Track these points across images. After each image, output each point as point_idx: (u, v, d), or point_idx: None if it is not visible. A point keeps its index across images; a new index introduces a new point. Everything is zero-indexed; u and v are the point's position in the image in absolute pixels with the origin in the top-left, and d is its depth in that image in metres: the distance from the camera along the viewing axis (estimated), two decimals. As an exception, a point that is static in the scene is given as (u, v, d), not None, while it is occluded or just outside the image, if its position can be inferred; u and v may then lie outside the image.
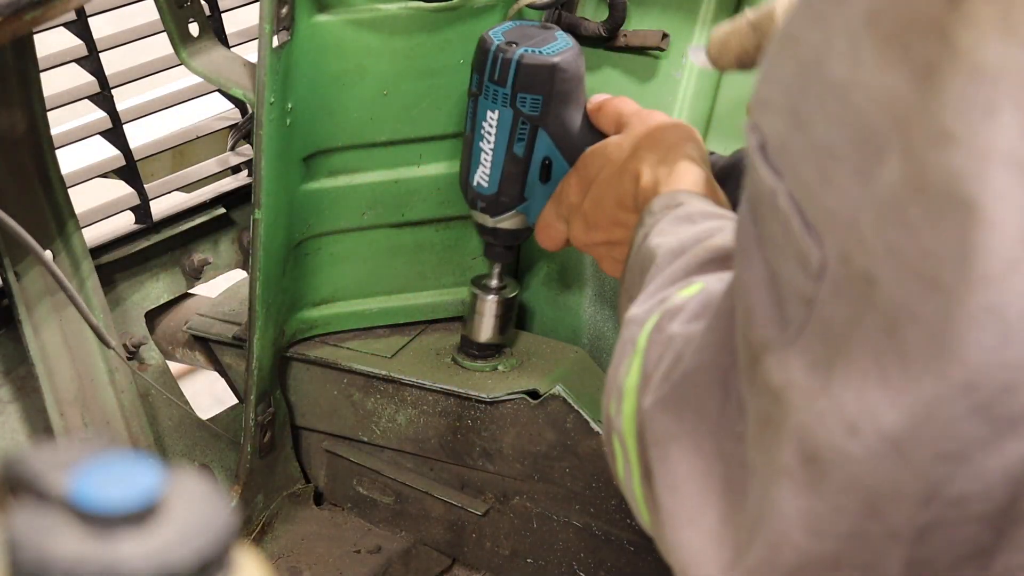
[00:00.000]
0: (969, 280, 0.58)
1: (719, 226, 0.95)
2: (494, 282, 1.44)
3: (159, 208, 1.52)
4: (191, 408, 1.51)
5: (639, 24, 1.48)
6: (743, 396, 0.71)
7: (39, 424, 1.41)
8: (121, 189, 1.51)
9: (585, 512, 1.44)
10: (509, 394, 1.43)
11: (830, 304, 0.63)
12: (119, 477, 0.48)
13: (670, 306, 0.83)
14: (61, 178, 1.36)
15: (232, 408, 1.59)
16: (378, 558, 1.50)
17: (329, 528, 1.54)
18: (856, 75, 0.61)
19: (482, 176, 1.34)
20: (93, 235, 1.45)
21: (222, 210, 1.57)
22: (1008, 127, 0.57)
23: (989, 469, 0.61)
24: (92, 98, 1.46)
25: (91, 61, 1.45)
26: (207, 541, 0.47)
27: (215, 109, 1.63)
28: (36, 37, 1.29)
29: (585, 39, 1.47)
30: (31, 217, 1.32)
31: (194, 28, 1.34)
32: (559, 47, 1.29)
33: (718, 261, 0.88)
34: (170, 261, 1.54)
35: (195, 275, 1.56)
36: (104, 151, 1.50)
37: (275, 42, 1.24)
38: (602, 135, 1.26)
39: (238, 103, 1.62)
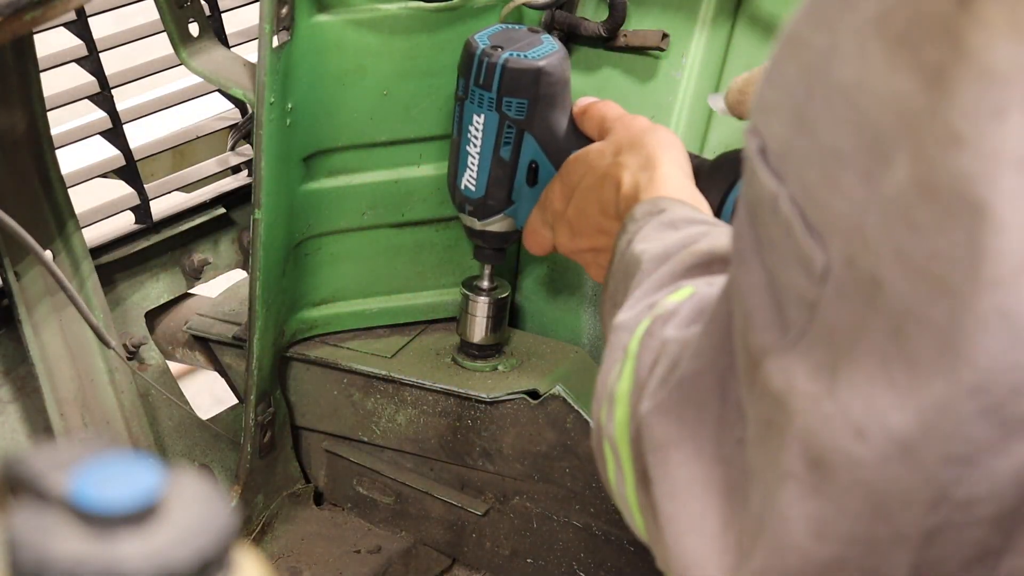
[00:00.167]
0: (978, 282, 0.58)
1: (702, 231, 0.95)
2: (485, 283, 1.44)
3: (159, 208, 1.52)
4: (191, 408, 1.51)
5: (639, 24, 1.48)
6: (742, 400, 0.71)
7: (39, 424, 1.41)
8: (121, 189, 1.51)
9: (585, 512, 1.44)
10: (509, 394, 1.43)
11: (834, 307, 0.63)
12: (119, 477, 0.48)
13: (660, 311, 0.83)
14: (61, 178, 1.36)
15: (232, 408, 1.59)
16: (378, 558, 1.50)
17: (329, 528, 1.54)
18: (864, 77, 0.61)
19: (469, 180, 1.34)
20: (93, 235, 1.45)
21: (222, 210, 1.57)
22: (1018, 129, 0.57)
23: (998, 471, 0.61)
24: (92, 98, 1.46)
25: (91, 61, 1.44)
26: (207, 541, 0.47)
27: (215, 109, 1.63)
28: (36, 37, 1.29)
29: (585, 39, 1.47)
30: (31, 217, 1.32)
31: (194, 28, 1.34)
32: (544, 51, 1.29)
33: (703, 266, 0.88)
34: (170, 261, 1.54)
35: (195, 275, 1.56)
36: (104, 151, 1.49)
37: (275, 42, 1.24)
38: (588, 139, 1.26)
39: (238, 103, 1.62)
